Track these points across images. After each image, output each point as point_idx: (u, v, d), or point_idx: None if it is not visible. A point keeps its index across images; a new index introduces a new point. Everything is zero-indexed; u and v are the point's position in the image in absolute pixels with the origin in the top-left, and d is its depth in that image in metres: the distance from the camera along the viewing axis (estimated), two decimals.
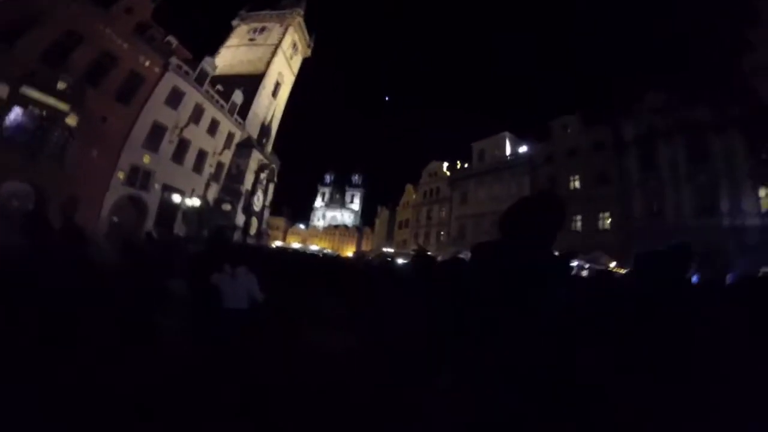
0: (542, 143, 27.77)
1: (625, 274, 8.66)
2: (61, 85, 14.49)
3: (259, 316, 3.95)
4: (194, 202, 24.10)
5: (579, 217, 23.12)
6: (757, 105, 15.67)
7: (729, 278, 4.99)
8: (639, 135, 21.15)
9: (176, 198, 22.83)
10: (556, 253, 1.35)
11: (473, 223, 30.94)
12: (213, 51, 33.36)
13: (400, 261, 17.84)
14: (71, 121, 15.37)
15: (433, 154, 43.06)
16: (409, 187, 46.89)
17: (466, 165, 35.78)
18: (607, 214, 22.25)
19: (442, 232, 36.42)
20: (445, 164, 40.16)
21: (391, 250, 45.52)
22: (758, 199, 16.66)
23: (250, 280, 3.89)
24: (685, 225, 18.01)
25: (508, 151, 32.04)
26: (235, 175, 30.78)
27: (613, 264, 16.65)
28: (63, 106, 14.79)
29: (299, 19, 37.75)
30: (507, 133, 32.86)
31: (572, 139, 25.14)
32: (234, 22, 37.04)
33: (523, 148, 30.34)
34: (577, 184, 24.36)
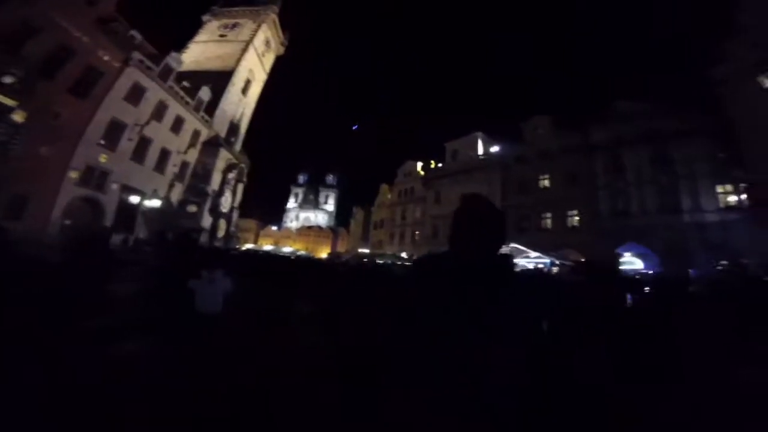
0: (513, 144, 28.57)
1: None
2: (7, 80, 13.19)
3: (233, 319, 4.03)
4: (154, 203, 22.83)
5: (549, 215, 24.02)
6: (720, 113, 16.85)
7: (692, 273, 5.28)
8: (607, 140, 22.18)
9: (135, 199, 21.50)
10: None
11: (446, 223, 31.00)
12: (181, 46, 31.86)
13: (378, 261, 17.78)
14: (18, 117, 14.04)
15: (409, 154, 43.23)
16: (384, 187, 46.88)
17: (440, 165, 36.23)
18: (575, 212, 23.18)
19: (417, 232, 36.61)
20: (420, 164, 40.55)
21: (367, 251, 45.51)
22: (716, 195, 17.95)
23: (226, 284, 3.99)
24: (648, 223, 19.07)
25: (480, 150, 32.66)
26: (202, 174, 29.45)
27: (581, 260, 17.36)
28: (10, 102, 13.48)
29: (274, 17, 36.81)
30: (479, 134, 33.49)
31: (543, 140, 25.93)
32: (205, 17, 35.59)
33: (494, 148, 30.97)
34: (547, 183, 25.26)
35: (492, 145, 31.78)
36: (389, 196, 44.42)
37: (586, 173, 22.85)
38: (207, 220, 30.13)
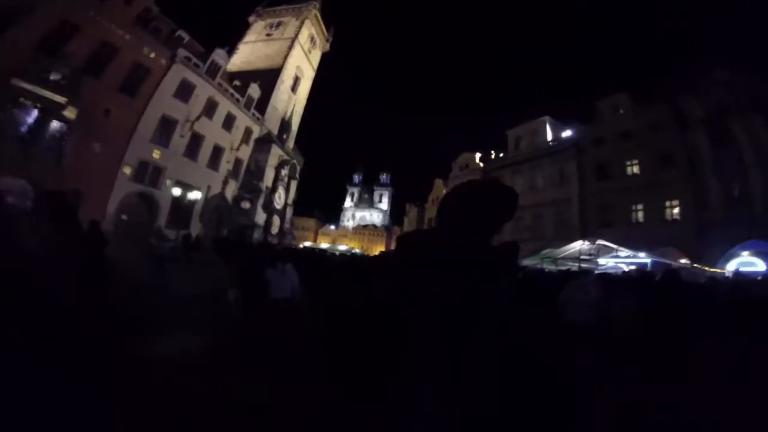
0: (588, 125, 24.40)
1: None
2: (54, 76, 13.67)
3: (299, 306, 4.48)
4: (195, 195, 22.19)
5: (640, 207, 19.53)
6: None
7: None
8: (707, 112, 17.52)
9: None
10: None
11: None
12: (231, 47, 32.93)
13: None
14: (70, 113, 14.61)
15: (464, 147, 40.16)
16: (438, 182, 44.27)
17: (501, 155, 33.01)
18: (675, 202, 18.46)
19: None
20: (478, 155, 37.37)
21: None
22: None
23: (293, 275, 4.67)
24: None
25: (549, 136, 29.01)
26: (255, 171, 29.80)
27: (684, 261, 13.28)
28: (59, 99, 13.99)
29: (315, 12, 36.68)
30: (547, 117, 30.01)
31: (624, 119, 21.95)
32: (251, 19, 36.48)
33: (566, 133, 27.31)
34: (635, 168, 20.87)
35: (563, 129, 28.25)
36: (444, 191, 41.62)
37: (684, 153, 18.25)
38: (261, 217, 30.46)
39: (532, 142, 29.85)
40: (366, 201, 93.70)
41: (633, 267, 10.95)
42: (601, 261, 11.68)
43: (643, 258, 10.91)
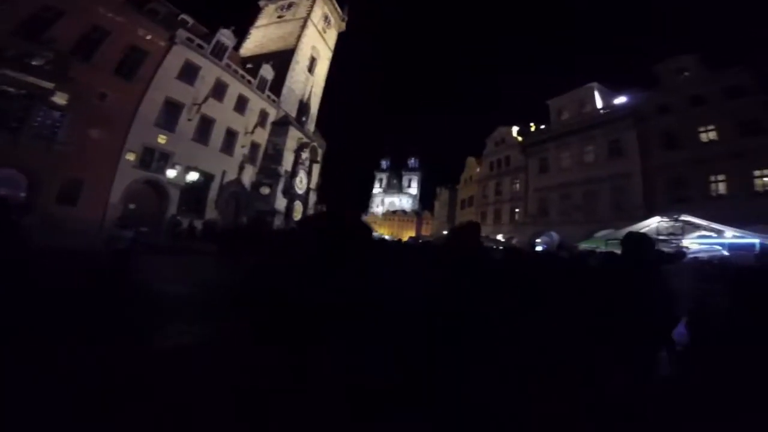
0: (649, 91, 21.06)
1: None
2: (38, 61, 12.71)
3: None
4: (192, 177, 20.73)
5: (721, 177, 15.89)
6: None
7: None
8: None
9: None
10: None
11: (558, 196, 24.83)
12: (242, 31, 31.63)
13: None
14: (60, 99, 13.70)
15: (498, 122, 36.69)
16: (470, 160, 41.13)
17: (542, 127, 29.72)
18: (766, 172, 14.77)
19: (517, 209, 30.49)
20: (515, 128, 33.87)
21: None
22: None
23: None
24: None
25: (599, 104, 25.61)
26: (273, 155, 28.58)
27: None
28: (46, 84, 13.07)
29: None
30: (595, 84, 26.57)
31: (693, 83, 18.69)
32: (261, 2, 34.97)
33: (620, 99, 23.86)
34: (712, 134, 17.51)
35: (613, 96, 25.03)
36: (478, 170, 38.50)
37: None
38: (282, 203, 29.40)
39: (578, 112, 26.40)
40: (395, 186, 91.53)
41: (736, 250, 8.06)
42: (686, 242, 8.92)
43: (748, 237, 7.95)
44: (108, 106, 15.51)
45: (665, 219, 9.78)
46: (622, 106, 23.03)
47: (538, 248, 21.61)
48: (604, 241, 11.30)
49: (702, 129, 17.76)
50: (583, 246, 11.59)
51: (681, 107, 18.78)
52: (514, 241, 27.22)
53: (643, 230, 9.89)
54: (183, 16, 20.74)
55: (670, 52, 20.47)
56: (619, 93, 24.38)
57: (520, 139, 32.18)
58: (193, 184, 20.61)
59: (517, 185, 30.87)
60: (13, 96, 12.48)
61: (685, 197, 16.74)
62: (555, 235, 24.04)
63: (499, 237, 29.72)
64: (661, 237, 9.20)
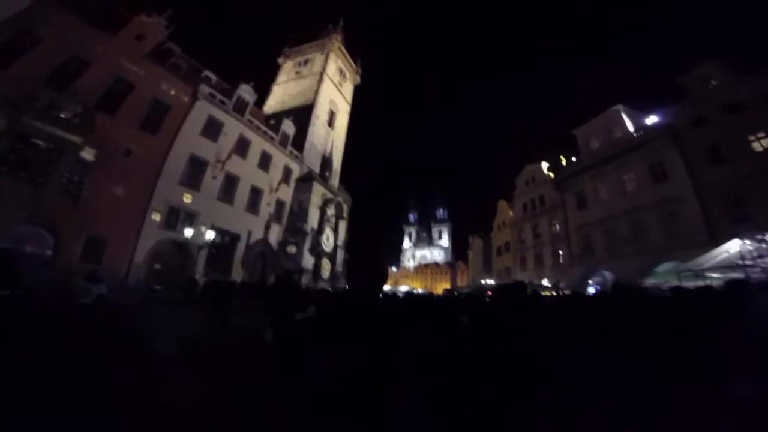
0: (677, 105, 19.60)
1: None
2: (66, 114, 12.77)
3: None
4: (210, 236, 19.91)
5: None
6: None
7: None
8: None
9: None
10: None
11: (601, 231, 22.22)
12: (265, 90, 33.57)
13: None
14: (88, 155, 13.54)
15: (523, 160, 35.18)
16: (502, 204, 39.29)
17: (573, 159, 28.39)
18: None
19: (560, 251, 27.77)
20: (545, 164, 32.32)
21: (492, 282, 38.05)
22: None
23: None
24: None
25: (630, 126, 24.11)
26: (298, 212, 27.97)
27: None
28: (74, 138, 12.98)
29: (338, 44, 36.91)
30: (621, 106, 25.24)
31: (722, 90, 17.50)
32: (280, 60, 37.64)
33: (650, 119, 22.48)
34: (766, 143, 15.70)
35: (642, 117, 23.78)
36: (511, 213, 36.44)
37: None
38: (309, 260, 27.95)
39: (608, 138, 24.85)
40: (424, 239, 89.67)
41: None
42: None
43: None
44: (133, 162, 15.36)
45: (747, 241, 9.06)
46: (654, 126, 21.44)
47: (590, 290, 19.82)
48: (675, 274, 10.57)
49: (751, 136, 15.82)
50: (649, 282, 10.87)
51: (716, 116, 17.18)
52: (561, 285, 24.89)
53: (722, 255, 9.62)
54: (206, 72, 21.73)
55: (688, 62, 19.39)
56: (646, 112, 23.14)
57: (551, 175, 30.64)
58: (216, 243, 19.64)
59: (557, 225, 28.65)
60: (42, 150, 12.27)
61: (748, 216, 13.96)
62: (608, 274, 21.57)
63: (544, 282, 27.10)
64: (747, 262, 8.50)
